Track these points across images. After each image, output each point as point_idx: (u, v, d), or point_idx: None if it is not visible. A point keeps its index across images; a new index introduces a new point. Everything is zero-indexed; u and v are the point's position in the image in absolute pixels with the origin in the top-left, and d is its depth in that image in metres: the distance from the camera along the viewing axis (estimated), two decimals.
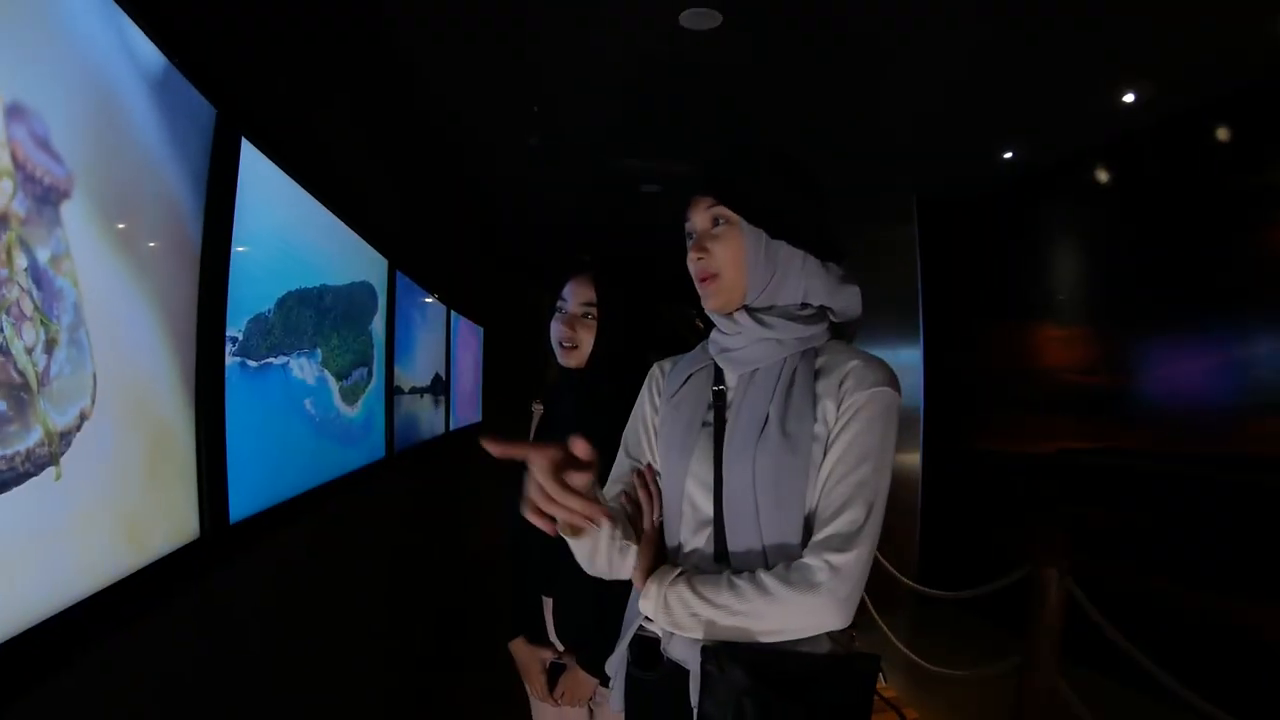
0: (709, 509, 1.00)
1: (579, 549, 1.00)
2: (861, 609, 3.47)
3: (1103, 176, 4.05)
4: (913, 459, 4.88)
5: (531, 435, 1.58)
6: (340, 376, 2.37)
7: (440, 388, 4.62)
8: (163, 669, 1.19)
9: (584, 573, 1.05)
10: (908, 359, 4.97)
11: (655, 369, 1.21)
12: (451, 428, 4.90)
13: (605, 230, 6.81)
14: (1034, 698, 2.24)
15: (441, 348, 4.64)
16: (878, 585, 3.44)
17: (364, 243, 2.66)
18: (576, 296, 1.51)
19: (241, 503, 1.50)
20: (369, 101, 3.04)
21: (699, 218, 1.06)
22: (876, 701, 2.78)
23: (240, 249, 1.51)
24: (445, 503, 4.81)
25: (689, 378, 1.10)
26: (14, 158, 0.80)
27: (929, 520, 4.86)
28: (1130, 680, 2.53)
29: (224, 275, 1.43)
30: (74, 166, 0.92)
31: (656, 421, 1.14)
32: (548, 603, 1.54)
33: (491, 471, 1.24)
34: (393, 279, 3.16)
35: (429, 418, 4.18)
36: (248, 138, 1.56)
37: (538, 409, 1.64)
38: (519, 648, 1.56)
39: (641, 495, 1.07)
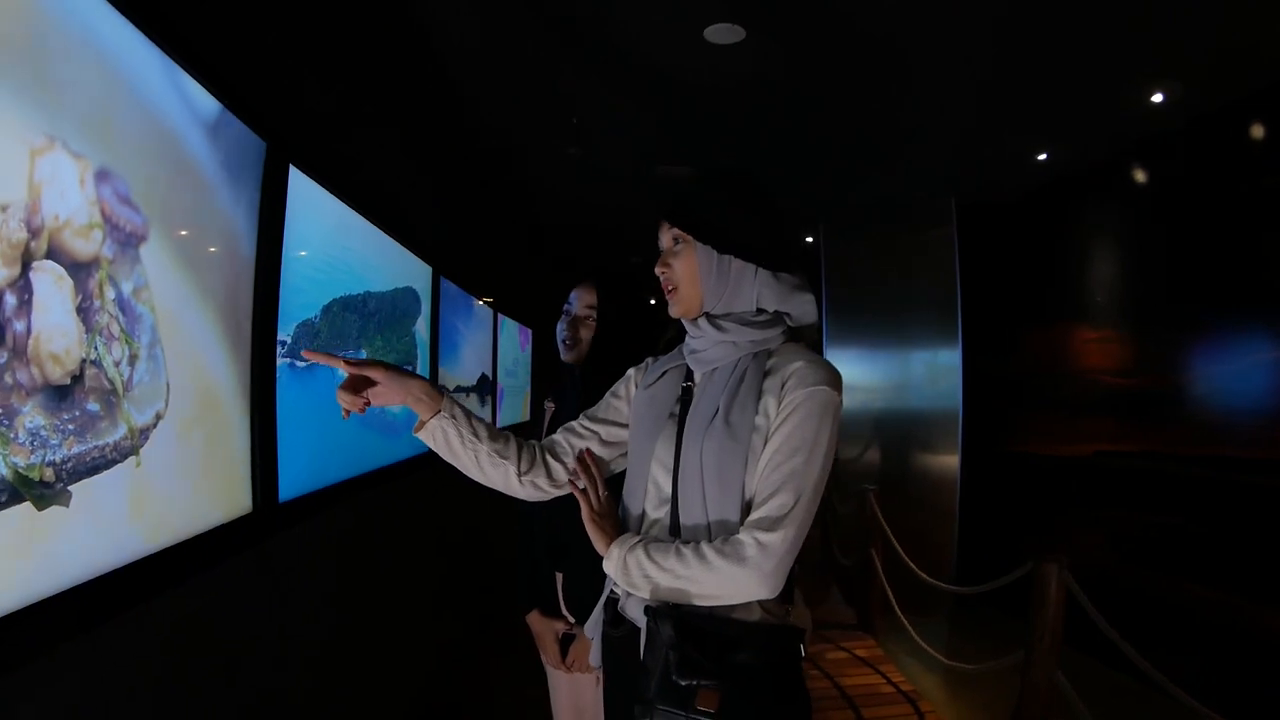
0: (668, 488, 1.13)
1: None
2: (885, 605, 3.58)
3: (1140, 177, 4.01)
4: (951, 461, 4.90)
5: (544, 431, 1.75)
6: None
7: (487, 387, 4.87)
8: (218, 610, 1.44)
9: (590, 552, 1.19)
10: (947, 361, 4.99)
11: (643, 362, 1.37)
12: (497, 425, 5.14)
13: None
14: (1033, 690, 2.31)
15: (489, 349, 4.90)
16: (900, 583, 3.55)
17: (409, 252, 2.91)
18: (581, 300, 1.70)
19: (290, 484, 1.74)
20: (414, 122, 3.28)
21: (663, 237, 1.22)
22: (892, 694, 2.88)
23: (289, 264, 1.75)
24: (486, 493, 5.05)
25: (664, 373, 1.25)
26: (103, 212, 1.03)
27: (967, 521, 4.86)
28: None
29: (275, 288, 1.67)
30: (149, 214, 1.15)
31: (622, 404, 1.31)
32: (560, 579, 1.71)
33: None
34: (436, 285, 3.40)
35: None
36: (295, 165, 1.79)
37: (550, 406, 1.82)
38: (535, 620, 1.73)
39: (585, 478, 1.21)
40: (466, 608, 4.15)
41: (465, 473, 1.26)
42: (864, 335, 5.44)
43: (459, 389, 4.02)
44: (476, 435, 1.22)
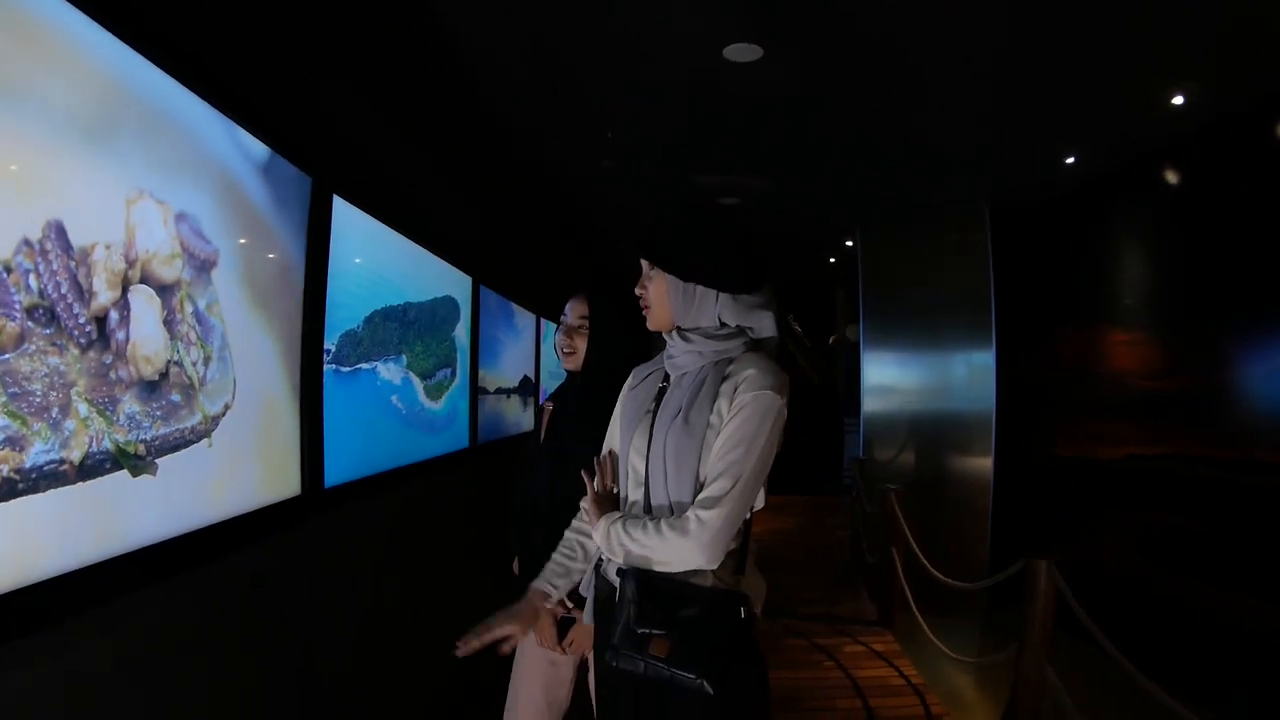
0: (643, 472, 1.32)
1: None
2: (904, 602, 3.68)
3: (1171, 178, 4.01)
4: (984, 463, 4.93)
5: (543, 431, 1.95)
6: (424, 376, 2.89)
7: (529, 388, 5.14)
8: (270, 575, 1.71)
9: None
10: (981, 363, 5.04)
11: (631, 374, 1.57)
12: None
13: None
14: (1025, 682, 2.41)
15: (530, 353, 5.17)
16: (922, 580, 3.64)
17: (448, 264, 3.18)
18: (574, 311, 1.86)
19: (334, 472, 2.01)
20: (451, 143, 3.56)
21: (642, 263, 1.43)
22: (902, 686, 3.00)
23: (334, 280, 2.02)
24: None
25: (648, 375, 1.46)
26: (181, 245, 1.30)
27: (999, 523, 4.89)
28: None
29: (321, 303, 1.94)
30: (217, 244, 1.42)
31: (617, 410, 1.51)
32: None
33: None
34: (476, 293, 3.67)
35: (516, 415, 4.70)
36: (338, 194, 2.06)
37: (548, 407, 1.97)
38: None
39: (598, 474, 1.45)
40: (496, 589, 4.40)
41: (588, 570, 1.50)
42: (899, 338, 5.52)
43: (500, 390, 4.29)
44: (569, 572, 1.48)
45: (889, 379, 5.58)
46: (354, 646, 2.18)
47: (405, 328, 2.66)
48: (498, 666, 1.77)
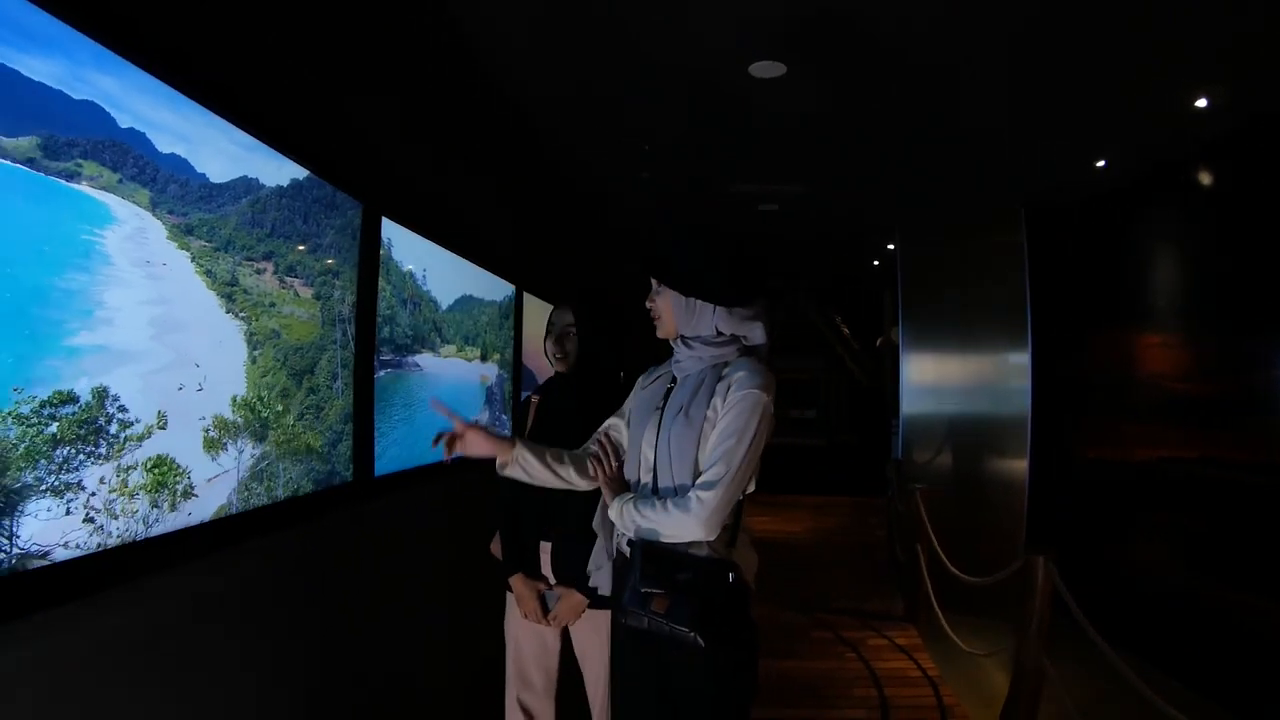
0: (652, 460, 1.55)
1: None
2: (928, 600, 3.77)
3: (1206, 180, 3.98)
4: (1020, 465, 4.94)
5: (529, 420, 2.14)
6: (474, 377, 3.16)
7: None
8: (325, 550, 1.97)
9: (575, 525, 1.67)
10: (1016, 366, 5.04)
11: (645, 371, 1.79)
12: None
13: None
14: (1023, 673, 2.51)
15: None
16: (944, 578, 3.72)
17: (489, 273, 3.43)
18: (561, 320, 2.08)
19: (383, 464, 2.28)
20: (495, 160, 3.82)
21: (652, 280, 1.64)
22: (918, 677, 3.13)
23: (383, 293, 2.28)
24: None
25: (657, 377, 1.68)
26: (280, 282, 1.56)
27: (1035, 525, 4.89)
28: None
29: (372, 314, 2.20)
30: (301, 273, 1.68)
31: (631, 406, 1.73)
32: (544, 547, 2.04)
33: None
34: (519, 299, 3.93)
35: None
36: (387, 216, 2.33)
37: (534, 400, 2.18)
38: (519, 581, 2.01)
39: (603, 456, 1.66)
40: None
41: (547, 484, 1.69)
42: (937, 340, 5.55)
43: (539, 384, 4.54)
44: (543, 459, 1.67)
45: (927, 380, 5.62)
46: (397, 615, 2.45)
47: (439, 329, 2.93)
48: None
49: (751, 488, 1.53)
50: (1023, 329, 5.02)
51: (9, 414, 1.03)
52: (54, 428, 1.11)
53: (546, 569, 2.00)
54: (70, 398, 1.14)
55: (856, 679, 3.31)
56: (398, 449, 2.45)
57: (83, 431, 1.16)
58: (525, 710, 2.08)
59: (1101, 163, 4.30)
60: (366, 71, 2.34)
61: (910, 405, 5.66)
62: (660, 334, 1.64)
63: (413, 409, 2.62)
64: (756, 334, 1.58)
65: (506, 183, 4.05)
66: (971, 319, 5.29)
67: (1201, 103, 3.49)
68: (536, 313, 4.20)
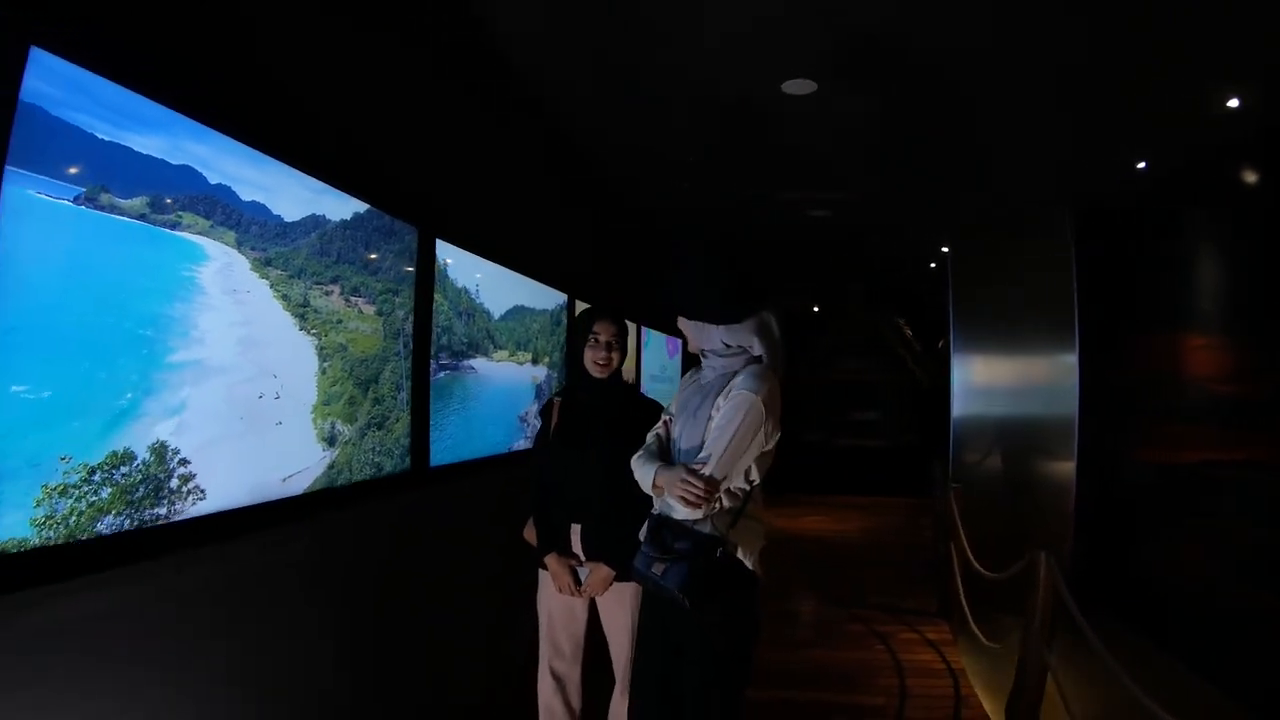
0: (679, 445, 1.85)
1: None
2: (957, 599, 3.86)
3: (1252, 180, 3.92)
4: (1067, 466, 4.92)
5: (554, 419, 2.35)
6: (526, 384, 3.48)
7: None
8: (385, 529, 2.31)
9: (600, 509, 2.05)
10: (1064, 367, 5.02)
11: (682, 380, 2.06)
12: None
13: (782, 247, 7.57)
14: (1025, 665, 2.61)
15: (629, 358, 5.70)
16: (971, 576, 3.80)
17: (541, 284, 3.75)
18: (606, 331, 2.31)
19: (438, 456, 2.61)
20: (548, 182, 4.13)
21: None
22: (942, 669, 3.26)
23: (438, 305, 2.61)
24: None
25: (692, 382, 1.95)
26: (345, 302, 1.90)
27: (1083, 527, 4.86)
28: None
29: (428, 325, 2.53)
30: (367, 294, 2.02)
31: (674, 402, 2.00)
32: (574, 530, 2.27)
33: None
34: (572, 308, 4.24)
35: None
36: (440, 238, 2.65)
37: (556, 402, 2.38)
38: (553, 559, 2.23)
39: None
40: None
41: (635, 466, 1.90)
42: (986, 342, 5.57)
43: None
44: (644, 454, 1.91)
45: (976, 382, 5.64)
46: (448, 591, 2.77)
47: (491, 336, 3.25)
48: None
49: (757, 477, 1.78)
50: (1070, 330, 5.01)
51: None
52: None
53: (577, 548, 2.26)
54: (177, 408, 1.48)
55: (882, 669, 3.46)
56: (452, 441, 2.78)
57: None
58: (555, 676, 2.35)
59: (1142, 164, 4.27)
60: (419, 110, 2.66)
61: (960, 407, 5.69)
62: (690, 350, 1.95)
63: (467, 404, 2.96)
64: (756, 345, 1.83)
65: (557, 200, 4.36)
66: (1019, 321, 5.29)
67: (1234, 103, 3.47)
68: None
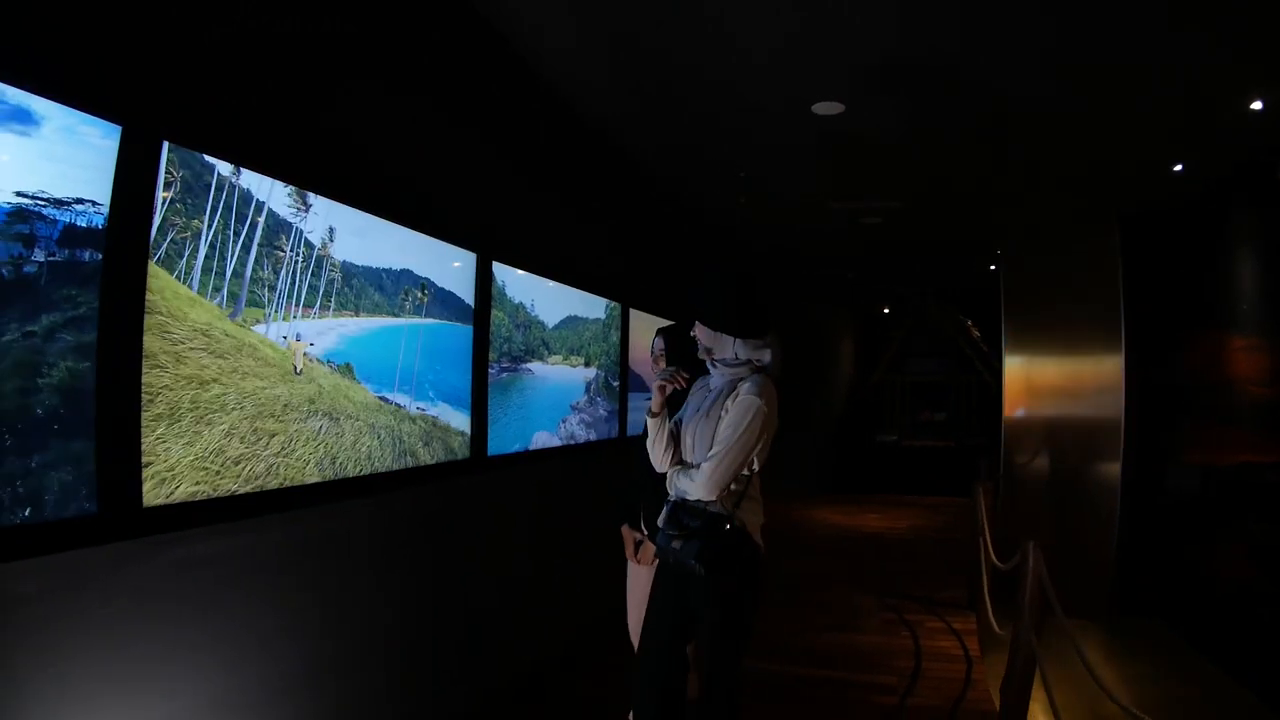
0: (688, 444, 2.16)
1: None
2: (978, 593, 4.05)
3: None
4: (1112, 467, 4.98)
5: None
6: (577, 382, 3.92)
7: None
8: (447, 510, 2.79)
9: (658, 499, 2.33)
10: (1110, 370, 5.08)
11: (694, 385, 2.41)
12: None
13: (833, 249, 7.85)
14: (1017, 654, 2.83)
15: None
16: (994, 569, 3.99)
17: (593, 295, 4.18)
18: (658, 346, 2.71)
19: (495, 446, 3.07)
20: (603, 203, 4.55)
21: None
22: (959, 655, 3.55)
23: (496, 318, 3.08)
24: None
25: (701, 387, 2.27)
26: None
27: (1127, 528, 4.91)
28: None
29: (486, 335, 3.00)
30: (442, 314, 2.50)
31: (686, 405, 2.33)
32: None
33: None
34: (626, 316, 4.66)
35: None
36: (497, 260, 3.12)
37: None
38: (625, 531, 2.82)
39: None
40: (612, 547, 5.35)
41: (651, 447, 2.22)
42: (1036, 345, 5.67)
43: (644, 390, 5.24)
44: (666, 438, 2.25)
45: (1026, 385, 5.74)
46: (504, 568, 3.23)
47: (546, 344, 3.70)
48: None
49: (757, 465, 2.10)
50: (1117, 333, 5.06)
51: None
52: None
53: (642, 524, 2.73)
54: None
55: (901, 653, 3.71)
56: (509, 434, 3.25)
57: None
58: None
59: (1178, 166, 4.33)
60: (478, 146, 3.12)
61: (1010, 409, 5.79)
62: (700, 355, 2.22)
63: (526, 397, 3.42)
64: (765, 357, 2.15)
65: (612, 219, 4.77)
66: (1068, 323, 5.36)
67: (1257, 105, 3.54)
68: (644, 326, 4.91)
